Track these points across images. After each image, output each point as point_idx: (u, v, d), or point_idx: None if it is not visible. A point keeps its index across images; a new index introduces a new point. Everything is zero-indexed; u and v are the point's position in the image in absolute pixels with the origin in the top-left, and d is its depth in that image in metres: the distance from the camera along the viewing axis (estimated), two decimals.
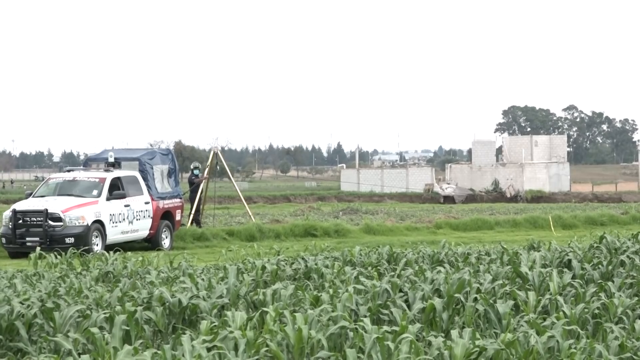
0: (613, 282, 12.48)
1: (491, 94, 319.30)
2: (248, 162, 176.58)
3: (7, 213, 25.72)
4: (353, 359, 8.42)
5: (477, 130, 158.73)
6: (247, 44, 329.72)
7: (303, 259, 15.70)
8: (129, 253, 20.11)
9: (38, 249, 18.29)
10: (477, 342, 8.63)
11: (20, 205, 25.86)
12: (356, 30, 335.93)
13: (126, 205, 26.48)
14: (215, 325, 9.70)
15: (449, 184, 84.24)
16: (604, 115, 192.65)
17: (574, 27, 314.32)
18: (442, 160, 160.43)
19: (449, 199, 76.81)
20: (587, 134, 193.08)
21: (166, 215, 28.20)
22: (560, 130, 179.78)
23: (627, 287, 12.43)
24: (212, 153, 35.43)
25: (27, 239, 24.83)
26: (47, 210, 24.88)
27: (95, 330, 9.35)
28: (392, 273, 13.97)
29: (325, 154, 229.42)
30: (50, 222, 24.77)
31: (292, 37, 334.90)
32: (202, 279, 13.29)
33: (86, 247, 23.39)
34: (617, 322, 10.46)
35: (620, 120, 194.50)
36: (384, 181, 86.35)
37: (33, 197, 26.49)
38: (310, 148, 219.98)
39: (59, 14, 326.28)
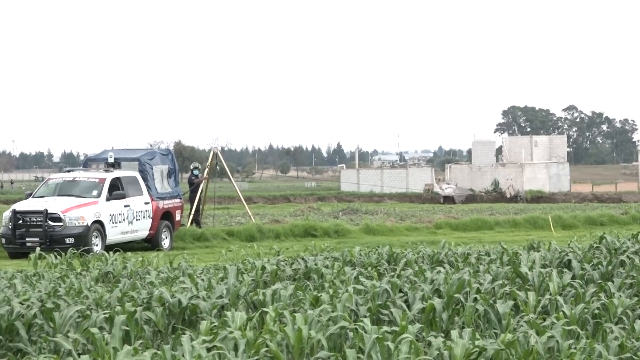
0: (613, 282, 12.47)
1: (491, 94, 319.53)
2: (248, 163, 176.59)
3: (7, 213, 25.73)
4: (353, 359, 8.42)
5: (477, 131, 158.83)
6: (247, 44, 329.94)
7: (303, 259, 15.69)
8: (129, 253, 20.10)
9: (38, 249, 18.27)
10: (477, 343, 8.63)
11: (20, 206, 25.87)
12: (356, 30, 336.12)
13: (126, 206, 26.49)
14: (215, 326, 9.69)
15: (448, 184, 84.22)
16: (604, 116, 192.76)
17: (574, 27, 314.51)
18: (442, 160, 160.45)
19: (448, 199, 76.80)
20: (587, 134, 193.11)
21: (166, 215, 28.20)
22: (560, 130, 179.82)
23: (627, 287, 12.43)
24: (212, 153, 35.46)
25: (27, 239, 24.84)
26: (46, 210, 24.89)
27: (95, 330, 9.34)
28: (392, 273, 13.97)
29: (325, 154, 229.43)
30: (50, 223, 24.78)
31: (292, 37, 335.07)
32: (202, 279, 13.29)
33: (86, 248, 23.38)
34: (617, 322, 10.45)
35: (620, 121, 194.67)
36: (383, 181, 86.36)
37: (33, 197, 26.49)
38: (310, 148, 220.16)
39: (59, 14, 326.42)
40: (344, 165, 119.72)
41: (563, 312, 10.39)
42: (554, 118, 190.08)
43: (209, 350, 8.58)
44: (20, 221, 25.07)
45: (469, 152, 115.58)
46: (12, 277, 15.05)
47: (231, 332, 9.00)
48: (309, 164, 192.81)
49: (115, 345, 9.28)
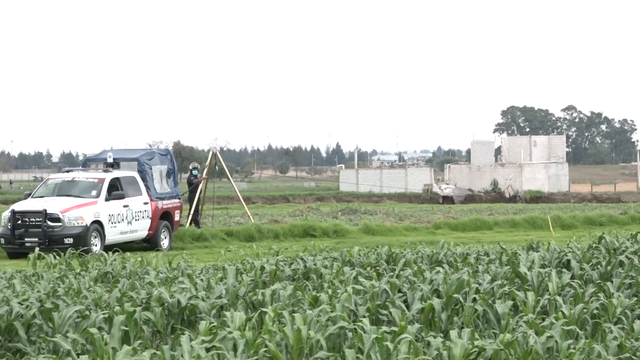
0: (612, 282, 12.47)
1: (490, 94, 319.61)
2: (247, 163, 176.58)
3: (6, 213, 25.71)
4: (352, 359, 8.42)
5: (476, 131, 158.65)
6: (246, 44, 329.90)
7: (302, 259, 15.70)
8: (128, 253, 20.10)
9: (37, 249, 18.28)
10: (476, 343, 8.63)
11: (19, 206, 25.86)
12: (356, 30, 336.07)
13: (125, 206, 26.47)
14: (214, 326, 9.69)
15: (447, 184, 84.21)
16: (603, 116, 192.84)
17: (573, 27, 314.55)
18: (441, 160, 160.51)
19: (447, 199, 76.80)
20: (586, 134, 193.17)
21: (165, 215, 28.19)
22: (559, 130, 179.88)
23: (626, 287, 12.43)
24: (211, 153, 35.47)
25: (26, 239, 24.82)
26: (46, 210, 24.87)
27: (94, 330, 9.34)
28: (391, 273, 13.97)
29: (324, 154, 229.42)
30: (49, 223, 24.76)
31: (291, 37, 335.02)
32: (201, 280, 13.29)
33: (85, 248, 23.37)
34: (616, 322, 10.45)
35: (619, 121, 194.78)
36: (382, 181, 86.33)
37: (32, 197, 26.47)
38: (309, 148, 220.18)
39: (59, 14, 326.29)
40: (343, 166, 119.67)
41: (562, 312, 10.39)
42: (553, 118, 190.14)
43: (208, 350, 8.58)
44: (20, 221, 25.05)
45: (468, 152, 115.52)
46: (11, 277, 15.04)
47: (230, 332, 8.99)
48: (308, 164, 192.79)
49: (114, 346, 9.28)
